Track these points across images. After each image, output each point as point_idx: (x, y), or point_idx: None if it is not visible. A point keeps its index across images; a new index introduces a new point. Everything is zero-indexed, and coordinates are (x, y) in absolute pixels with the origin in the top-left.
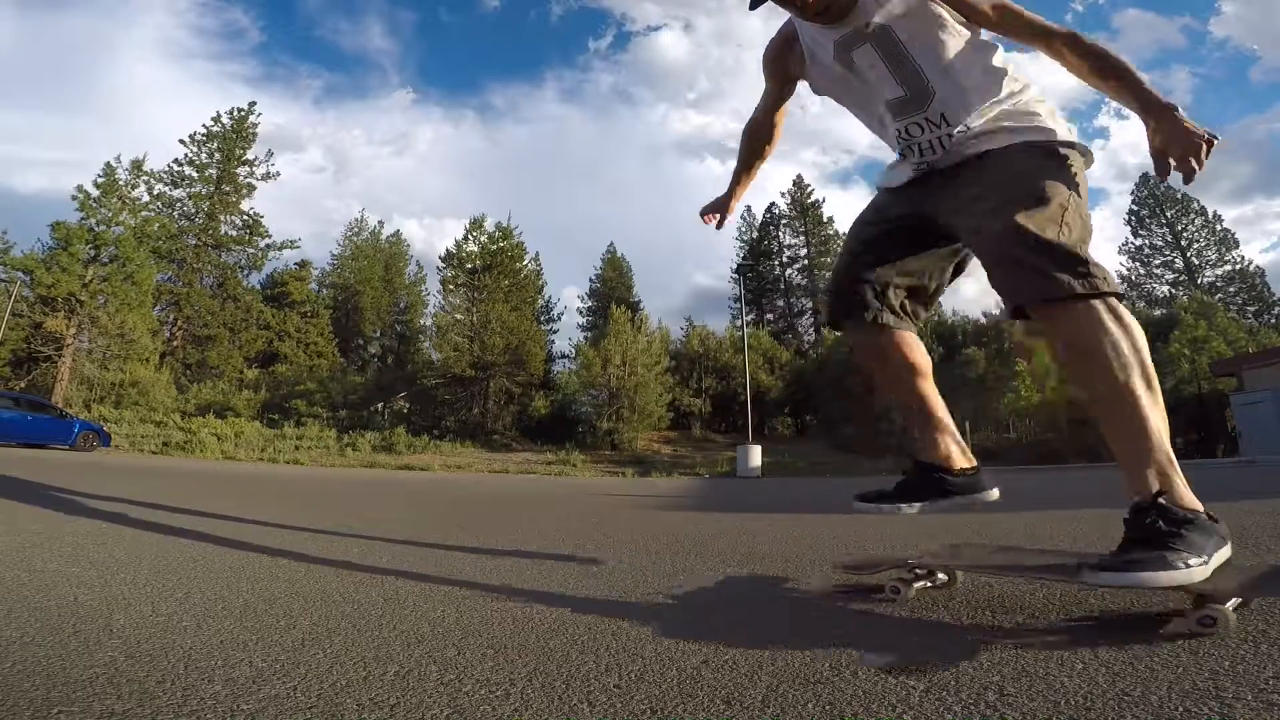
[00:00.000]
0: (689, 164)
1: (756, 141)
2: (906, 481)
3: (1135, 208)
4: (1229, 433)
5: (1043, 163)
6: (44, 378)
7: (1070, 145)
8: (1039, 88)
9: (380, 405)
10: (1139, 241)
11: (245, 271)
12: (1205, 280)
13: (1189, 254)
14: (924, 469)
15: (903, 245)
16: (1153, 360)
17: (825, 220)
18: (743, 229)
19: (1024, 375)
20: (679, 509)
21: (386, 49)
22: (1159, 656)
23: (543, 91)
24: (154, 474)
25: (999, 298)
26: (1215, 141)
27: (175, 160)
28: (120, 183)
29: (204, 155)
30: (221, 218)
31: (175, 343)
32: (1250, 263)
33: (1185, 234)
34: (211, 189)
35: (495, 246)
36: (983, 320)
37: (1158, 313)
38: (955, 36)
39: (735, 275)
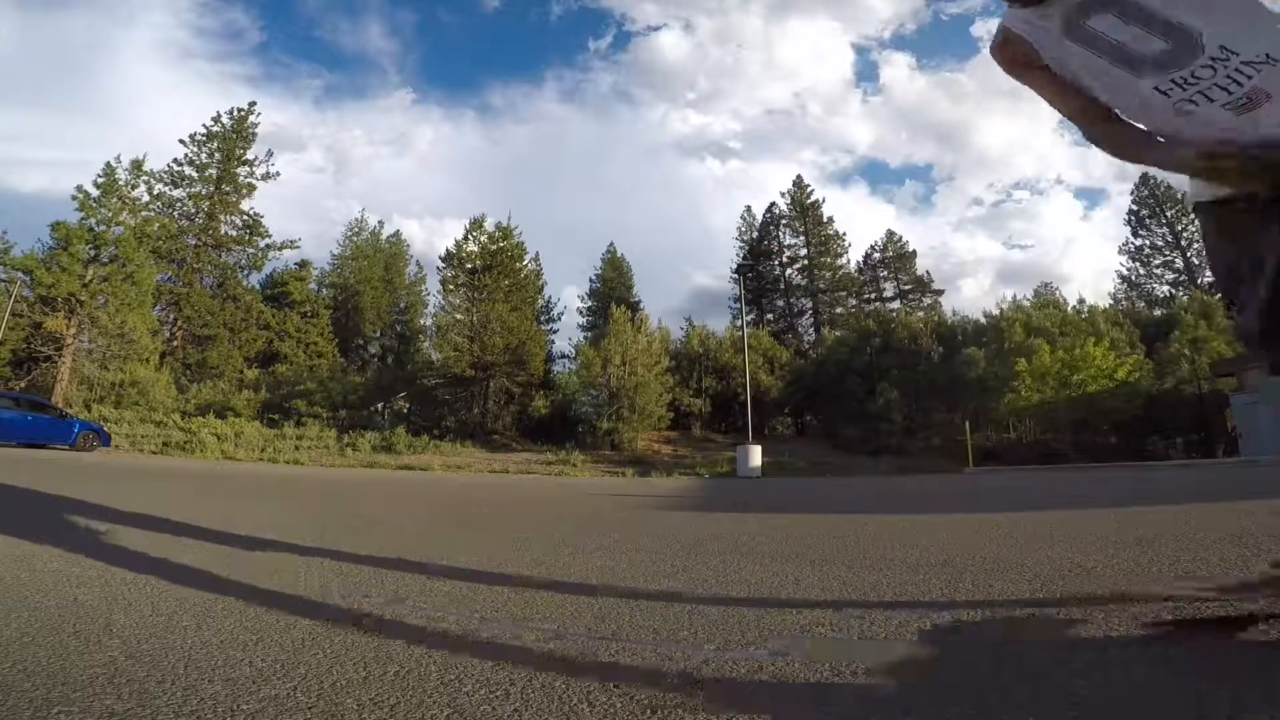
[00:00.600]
0: (689, 164)
1: None
2: None
3: (1135, 208)
4: (1229, 433)
5: None
6: (44, 378)
7: None
8: None
9: (380, 405)
10: (1139, 241)
11: (245, 271)
12: (1205, 280)
13: (1189, 254)
14: None
15: None
16: (1152, 360)
17: (825, 220)
18: (743, 229)
19: (1024, 375)
20: (679, 509)
21: (386, 49)
22: (1159, 656)
23: (543, 91)
24: (154, 474)
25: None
26: None
27: (175, 160)
28: (120, 183)
29: (204, 155)
30: (221, 218)
31: (175, 343)
32: None
33: (1185, 234)
34: (211, 189)
35: (495, 246)
36: (983, 320)
37: (1158, 313)
38: None
39: (735, 275)
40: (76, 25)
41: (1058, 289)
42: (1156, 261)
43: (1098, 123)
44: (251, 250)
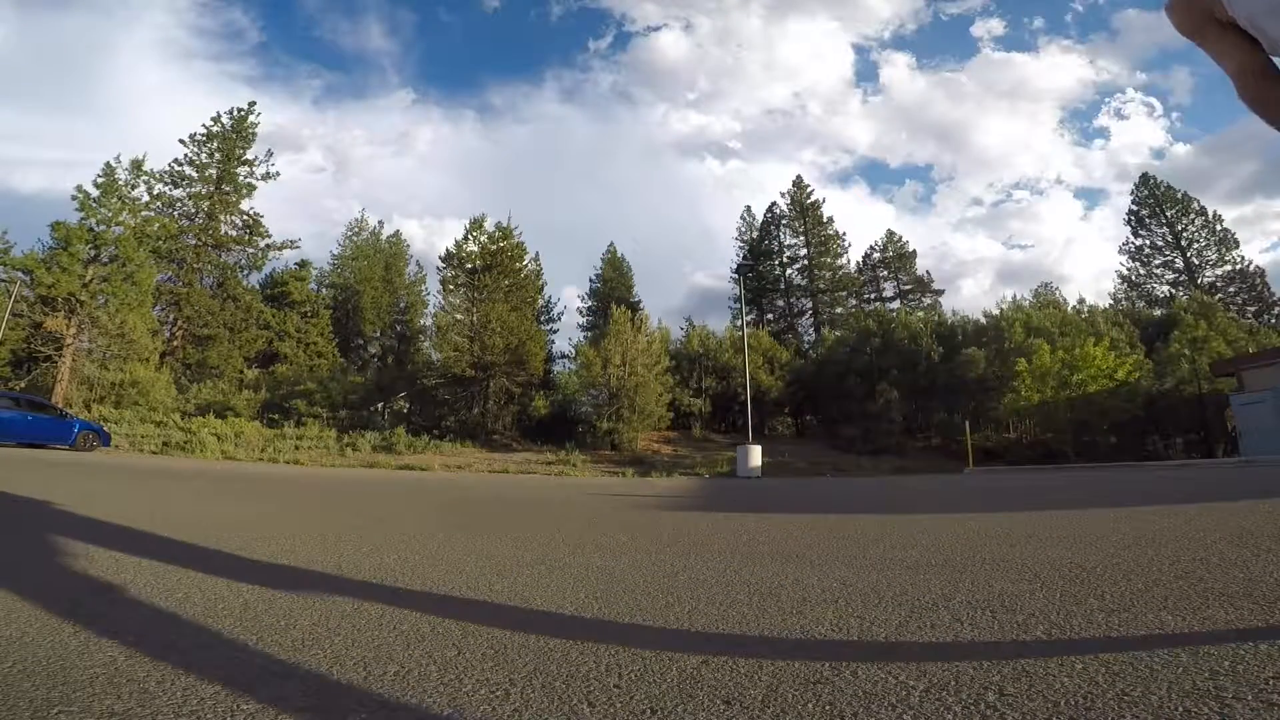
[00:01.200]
0: (689, 164)
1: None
2: None
3: (1135, 208)
4: (1229, 433)
5: None
6: (44, 378)
7: None
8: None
9: (380, 405)
10: (1139, 241)
11: (245, 271)
12: (1205, 280)
13: (1189, 254)
14: None
15: None
16: (1152, 360)
17: (825, 220)
18: (743, 229)
19: (1024, 375)
20: (679, 509)
21: (386, 49)
22: (1159, 656)
23: (542, 91)
24: (154, 474)
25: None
26: None
27: (175, 160)
28: (120, 183)
29: (204, 155)
30: (221, 218)
31: (175, 343)
32: (1250, 263)
33: (1185, 234)
34: (211, 189)
35: (495, 246)
36: (983, 320)
37: (1158, 313)
38: None
39: (735, 275)
40: (76, 25)
41: (1058, 289)
42: (1156, 261)
43: (1267, 83)
44: (251, 250)
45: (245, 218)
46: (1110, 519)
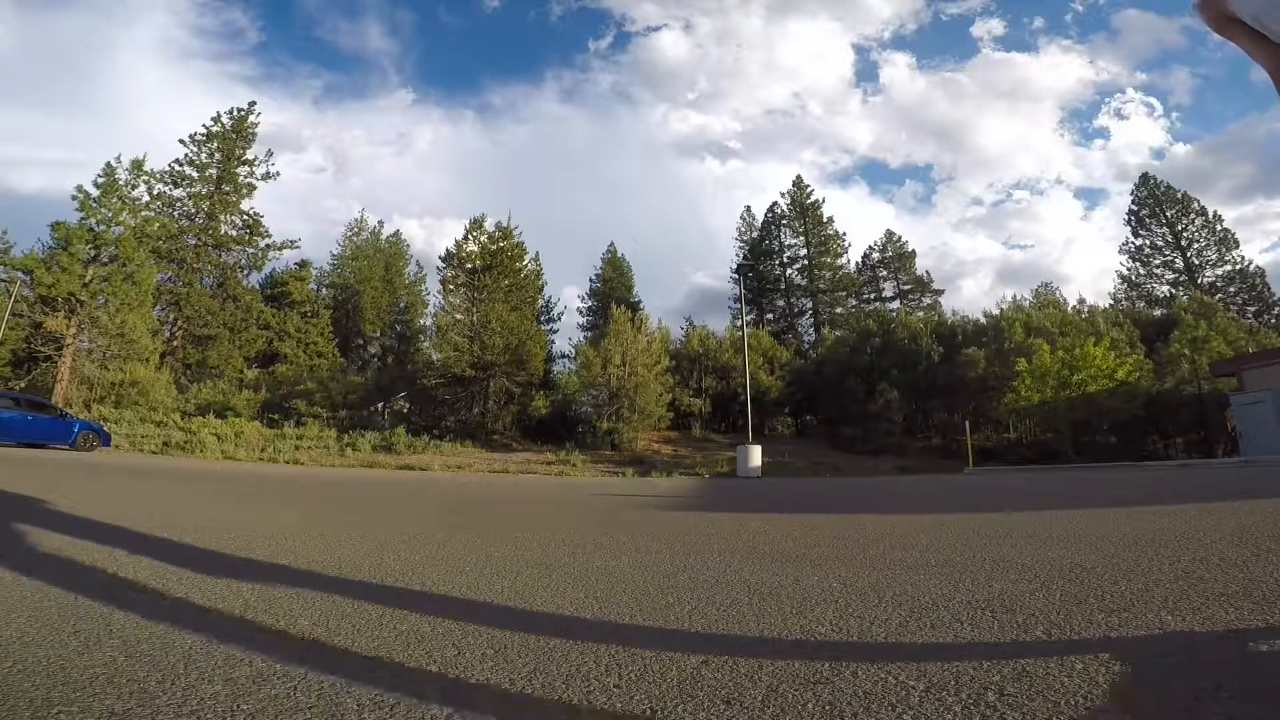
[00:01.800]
0: (689, 164)
1: None
2: None
3: (1135, 208)
4: (1229, 433)
5: None
6: (44, 377)
7: None
8: None
9: (380, 405)
10: (1139, 241)
11: (245, 271)
12: (1205, 280)
13: (1189, 254)
14: None
15: None
16: (1152, 360)
17: (825, 220)
18: (742, 229)
19: (1024, 375)
20: (679, 509)
21: (386, 49)
22: (1159, 656)
23: (542, 91)
24: (154, 474)
25: None
26: None
27: (175, 160)
28: (120, 183)
29: (204, 155)
30: (221, 218)
31: (175, 343)
32: (1250, 263)
33: (1185, 234)
34: (211, 189)
35: (495, 246)
36: (983, 320)
37: (1158, 313)
38: None
39: (735, 275)
40: (76, 25)
41: (1058, 289)
42: (1156, 261)
43: None
44: (251, 250)
45: (245, 218)
46: (1110, 519)
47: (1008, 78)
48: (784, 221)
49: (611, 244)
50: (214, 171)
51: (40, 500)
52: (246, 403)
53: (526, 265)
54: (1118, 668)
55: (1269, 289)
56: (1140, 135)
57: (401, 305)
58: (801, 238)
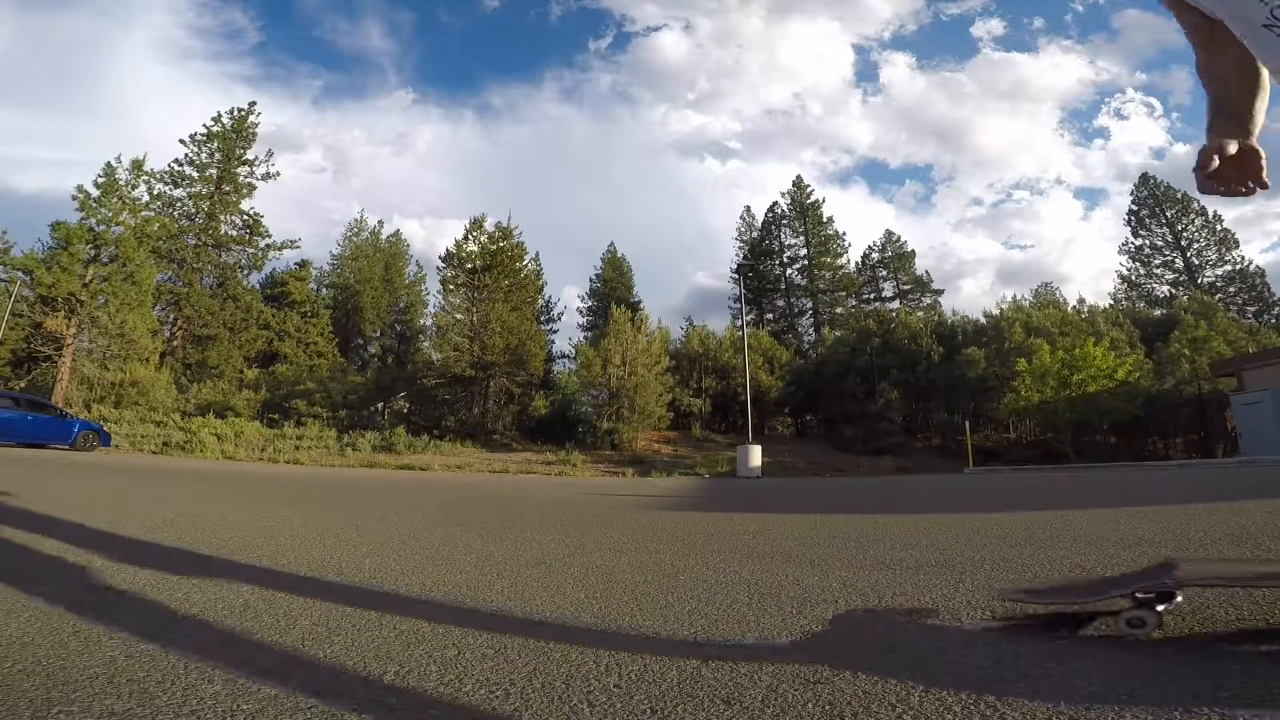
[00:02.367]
0: (689, 164)
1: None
2: None
3: (1135, 208)
4: (1229, 433)
5: None
6: (44, 377)
7: None
8: None
9: (380, 405)
10: (1139, 241)
11: (245, 271)
12: (1205, 280)
13: (1189, 254)
14: None
15: None
16: (1152, 360)
17: (825, 220)
18: (742, 229)
19: (1024, 375)
20: (679, 509)
21: (386, 49)
22: (1159, 656)
23: (542, 91)
24: (154, 474)
25: None
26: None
27: (175, 160)
28: (120, 183)
29: (204, 155)
30: (221, 218)
31: (175, 343)
32: (1250, 263)
33: (1185, 234)
34: (211, 189)
35: (495, 246)
36: (983, 320)
37: (1158, 313)
38: None
39: (735, 275)
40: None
41: (1058, 289)
42: (1156, 261)
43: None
44: (251, 250)
45: (245, 218)
46: (1110, 519)
47: (1008, 78)
48: (784, 221)
49: (611, 244)
50: (214, 171)
51: (40, 500)
52: (246, 403)
53: (526, 265)
54: (1118, 667)
55: (1269, 289)
56: (1140, 135)
57: (401, 305)
58: (801, 238)
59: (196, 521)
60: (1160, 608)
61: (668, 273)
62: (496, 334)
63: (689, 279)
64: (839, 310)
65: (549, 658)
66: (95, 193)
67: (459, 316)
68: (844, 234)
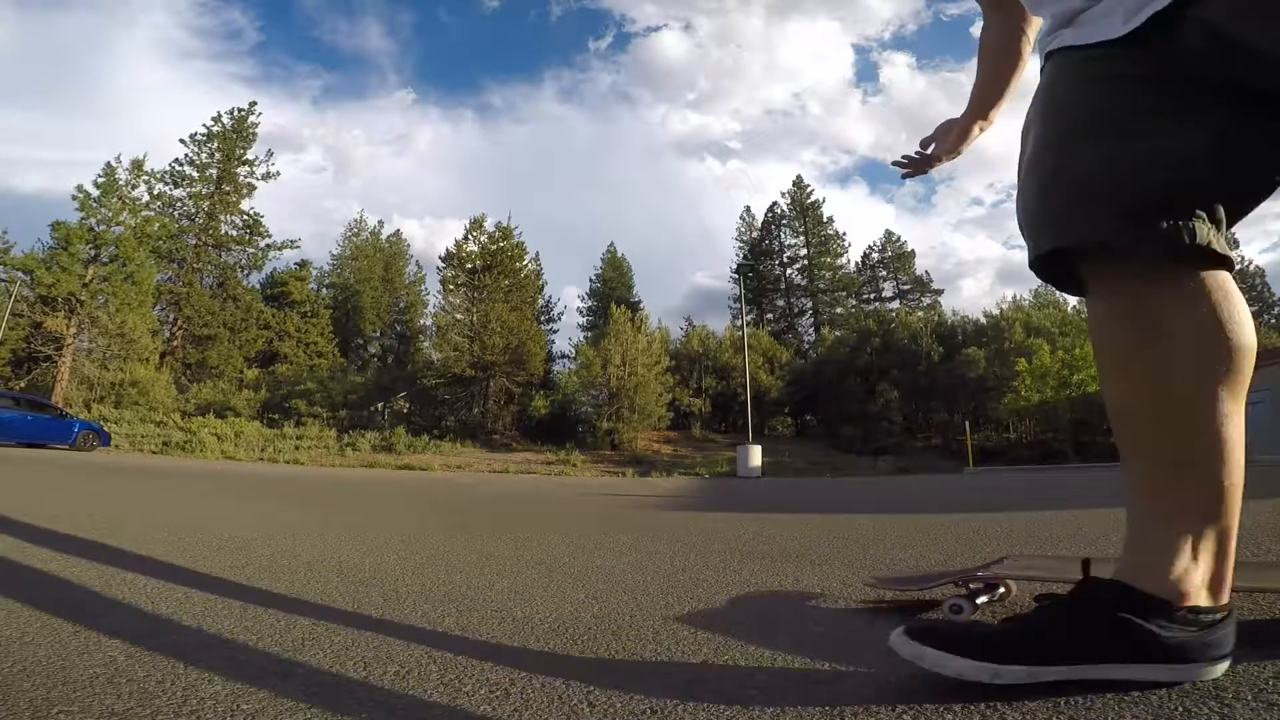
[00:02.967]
0: (689, 164)
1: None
2: (1047, 616)
3: None
4: None
5: None
6: (44, 377)
7: None
8: None
9: (380, 405)
10: None
11: (245, 271)
12: None
13: None
14: (1102, 594)
15: None
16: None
17: (825, 220)
18: (742, 229)
19: (1024, 375)
20: (679, 509)
21: (385, 49)
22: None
23: (542, 91)
24: (154, 474)
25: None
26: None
27: (175, 160)
28: (120, 183)
29: (204, 155)
30: (221, 218)
31: (175, 343)
32: (1250, 263)
33: None
34: (212, 189)
35: (495, 246)
36: (983, 320)
37: None
38: None
39: (735, 275)
40: (76, 25)
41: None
42: None
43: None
44: (251, 250)
45: (245, 218)
46: (1110, 519)
47: None
48: (784, 221)
49: (611, 244)
50: (214, 171)
51: (40, 500)
52: (246, 403)
53: (526, 265)
54: None
55: (1269, 289)
56: None
57: (401, 305)
58: (801, 238)
59: (197, 521)
60: (981, 599)
61: (668, 273)
62: (496, 334)
63: (689, 279)
64: (839, 310)
65: (549, 658)
66: (95, 193)
67: (459, 316)
68: (844, 234)
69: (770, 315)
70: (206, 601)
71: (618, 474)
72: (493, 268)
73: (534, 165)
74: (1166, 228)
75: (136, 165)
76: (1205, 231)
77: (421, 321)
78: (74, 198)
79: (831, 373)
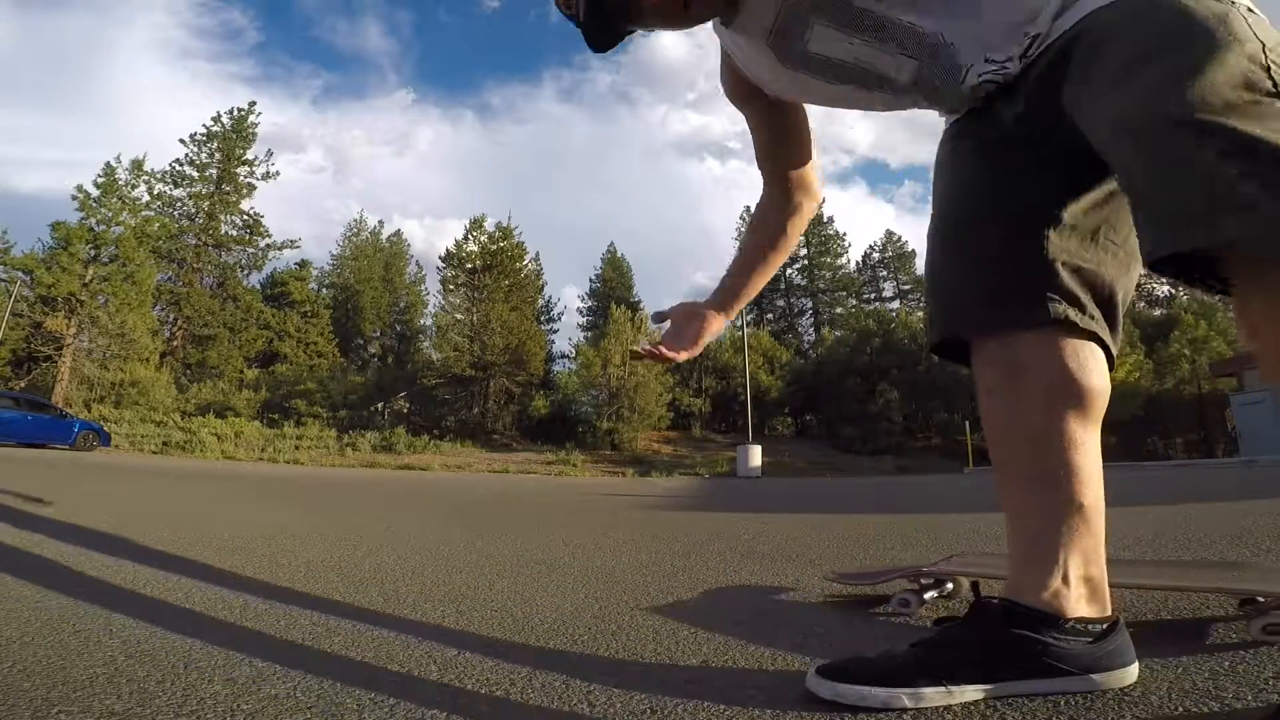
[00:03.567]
0: (689, 164)
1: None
2: (948, 637)
3: None
4: (1229, 433)
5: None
6: (44, 377)
7: None
8: None
9: (380, 405)
10: None
11: (245, 271)
12: None
13: None
14: (992, 612)
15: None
16: (1152, 360)
17: (825, 220)
18: (742, 229)
19: None
20: (679, 509)
21: (385, 49)
22: (1158, 656)
23: (541, 91)
24: (154, 474)
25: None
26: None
27: (175, 160)
28: (120, 183)
29: (204, 155)
30: (221, 217)
31: (175, 342)
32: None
33: None
34: (211, 189)
35: (495, 246)
36: None
37: (1158, 313)
38: None
39: None
40: (76, 25)
41: None
42: None
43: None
44: (251, 250)
45: (245, 218)
46: (1110, 519)
47: None
48: None
49: (611, 244)
50: (214, 171)
51: (40, 500)
52: (246, 403)
53: (526, 265)
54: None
55: None
56: None
57: (401, 305)
58: (801, 237)
59: (196, 521)
60: (929, 595)
61: (668, 273)
62: (496, 334)
63: (689, 279)
64: (839, 310)
65: (549, 658)
66: (95, 193)
67: (459, 316)
68: (844, 234)
69: (770, 315)
70: (207, 601)
71: (618, 474)
72: (493, 268)
73: (534, 165)
74: (1023, 310)
75: (136, 165)
76: (1060, 309)
77: (421, 321)
78: (74, 198)
79: (831, 373)
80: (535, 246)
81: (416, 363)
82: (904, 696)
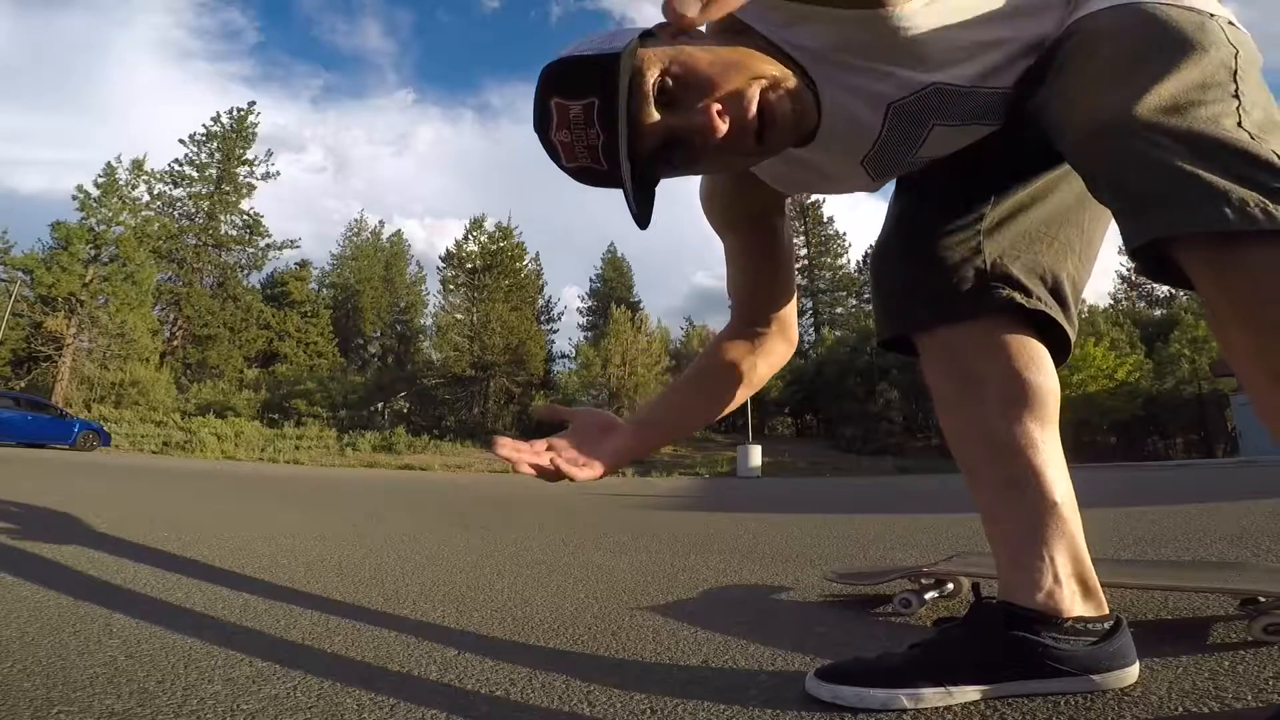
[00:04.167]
0: None
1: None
2: (947, 638)
3: None
4: (1229, 433)
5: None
6: (44, 377)
7: None
8: None
9: (380, 405)
10: None
11: (245, 271)
12: None
13: None
14: (991, 613)
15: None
16: (1152, 360)
17: (825, 220)
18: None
19: None
20: (679, 509)
21: (385, 49)
22: (1158, 656)
23: None
24: (154, 474)
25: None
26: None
27: (175, 160)
28: (120, 183)
29: (204, 155)
30: (221, 217)
31: (175, 342)
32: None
33: None
34: (211, 189)
35: (495, 246)
36: None
37: (1158, 313)
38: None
39: None
40: (76, 25)
41: None
42: None
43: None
44: (251, 250)
45: (245, 218)
46: (1110, 519)
47: None
48: None
49: (611, 244)
50: (214, 171)
51: (39, 500)
52: (246, 403)
53: (526, 265)
54: None
55: None
56: None
57: (401, 305)
58: (801, 237)
59: (196, 521)
60: (929, 595)
61: (668, 273)
62: (496, 334)
63: (689, 279)
64: (839, 310)
65: (549, 658)
66: (95, 193)
67: (459, 316)
68: (844, 234)
69: None
70: (207, 602)
71: (618, 474)
72: (493, 268)
73: (534, 165)
74: (966, 304)
75: (136, 165)
76: (1004, 294)
77: (421, 321)
78: (74, 198)
79: (831, 373)
80: (535, 246)
81: (416, 363)
82: (903, 697)
